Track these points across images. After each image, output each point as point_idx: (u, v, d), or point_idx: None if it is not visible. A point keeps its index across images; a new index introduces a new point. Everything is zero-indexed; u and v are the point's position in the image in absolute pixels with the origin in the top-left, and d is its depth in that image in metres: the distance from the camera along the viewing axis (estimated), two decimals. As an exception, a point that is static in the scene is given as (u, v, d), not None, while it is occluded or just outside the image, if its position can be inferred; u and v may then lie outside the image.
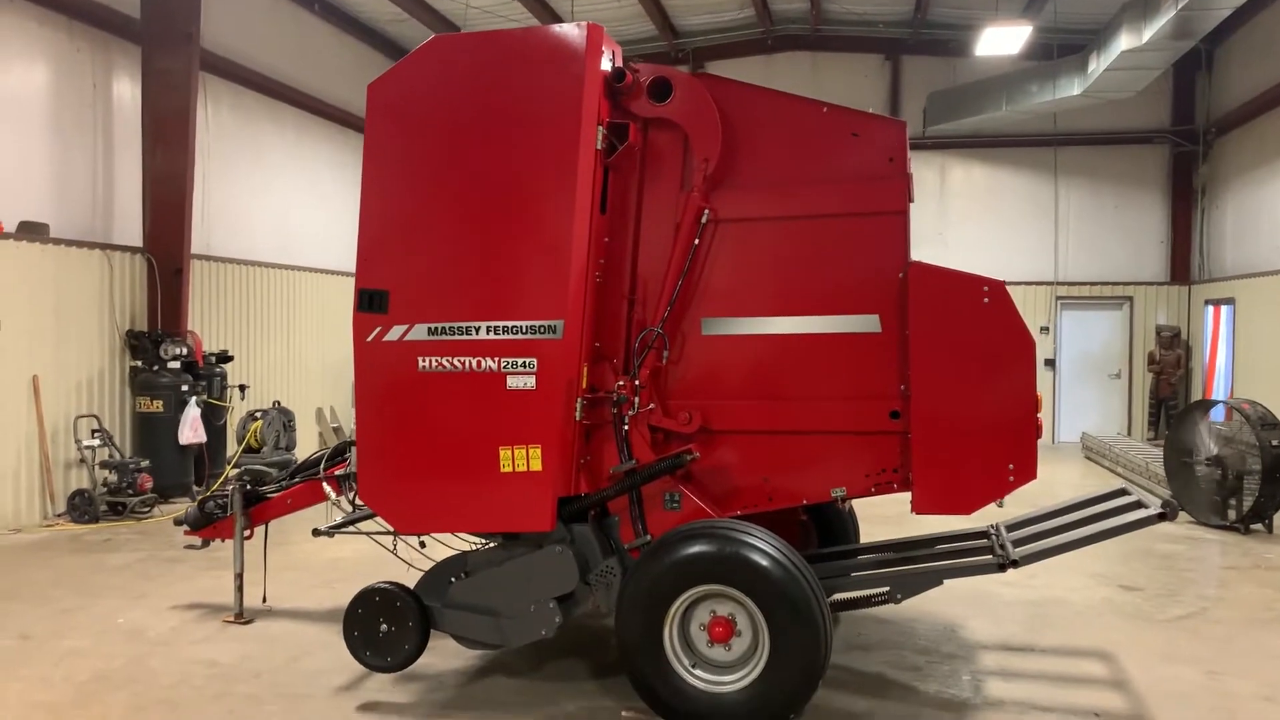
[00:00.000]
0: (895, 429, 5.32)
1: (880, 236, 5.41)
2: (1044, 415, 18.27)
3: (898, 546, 6.53)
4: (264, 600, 7.07)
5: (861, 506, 6.59)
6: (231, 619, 6.85)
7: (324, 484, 6.58)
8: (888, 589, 5.58)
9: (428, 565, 5.73)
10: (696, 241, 5.50)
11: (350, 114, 16.22)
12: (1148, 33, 12.27)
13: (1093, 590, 7.88)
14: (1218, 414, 11.33)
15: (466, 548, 5.85)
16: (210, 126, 13.18)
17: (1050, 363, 18.49)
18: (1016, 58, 16.38)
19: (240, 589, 6.86)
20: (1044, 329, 18.45)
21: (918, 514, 5.29)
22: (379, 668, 5.51)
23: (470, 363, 5.37)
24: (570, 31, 5.33)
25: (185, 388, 11.25)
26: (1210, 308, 17.03)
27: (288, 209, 15.05)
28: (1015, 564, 5.40)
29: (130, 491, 10.37)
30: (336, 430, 14.81)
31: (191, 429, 11.16)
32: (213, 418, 11.70)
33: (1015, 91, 16.36)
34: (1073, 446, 17.40)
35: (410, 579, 5.66)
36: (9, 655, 6.23)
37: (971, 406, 5.18)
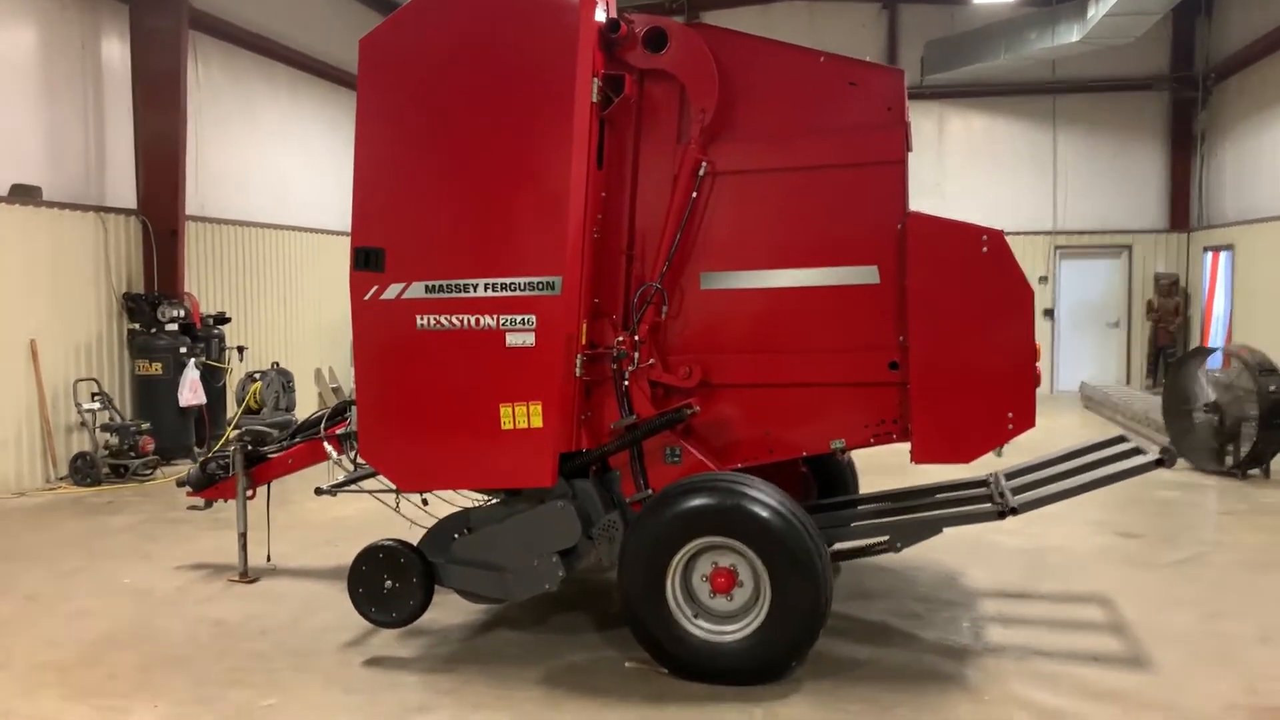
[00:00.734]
0: (894, 380, 5.33)
1: (878, 187, 5.38)
2: (1043, 365, 18.34)
3: (897, 496, 6.56)
4: (268, 559, 7.11)
5: (862, 457, 6.61)
6: (236, 578, 6.89)
7: (325, 443, 6.59)
8: (887, 538, 5.64)
9: (430, 523, 5.75)
10: (694, 195, 5.47)
11: (345, 72, 16.03)
12: (1148, -24, 12.12)
13: (1091, 537, 7.94)
14: (1215, 361, 11.34)
15: (468, 504, 5.88)
16: (202, 86, 13.05)
17: (1049, 312, 18.48)
18: (1016, 4, 16.19)
19: (244, 548, 6.90)
20: (1042, 279, 18.41)
21: (917, 464, 5.32)
22: (384, 623, 5.56)
23: (469, 320, 5.35)
24: (564, -17, 5.25)
25: (184, 350, 11.24)
26: (1209, 255, 16.99)
27: (283, 169, 14.95)
28: (1014, 511, 5.43)
29: (132, 454, 10.40)
30: (336, 390, 14.82)
31: (191, 391, 11.16)
32: (212, 379, 11.70)
33: (1014, 39, 16.19)
34: (1071, 396, 17.44)
35: (414, 536, 5.69)
36: (16, 616, 6.28)
37: (970, 356, 5.19)
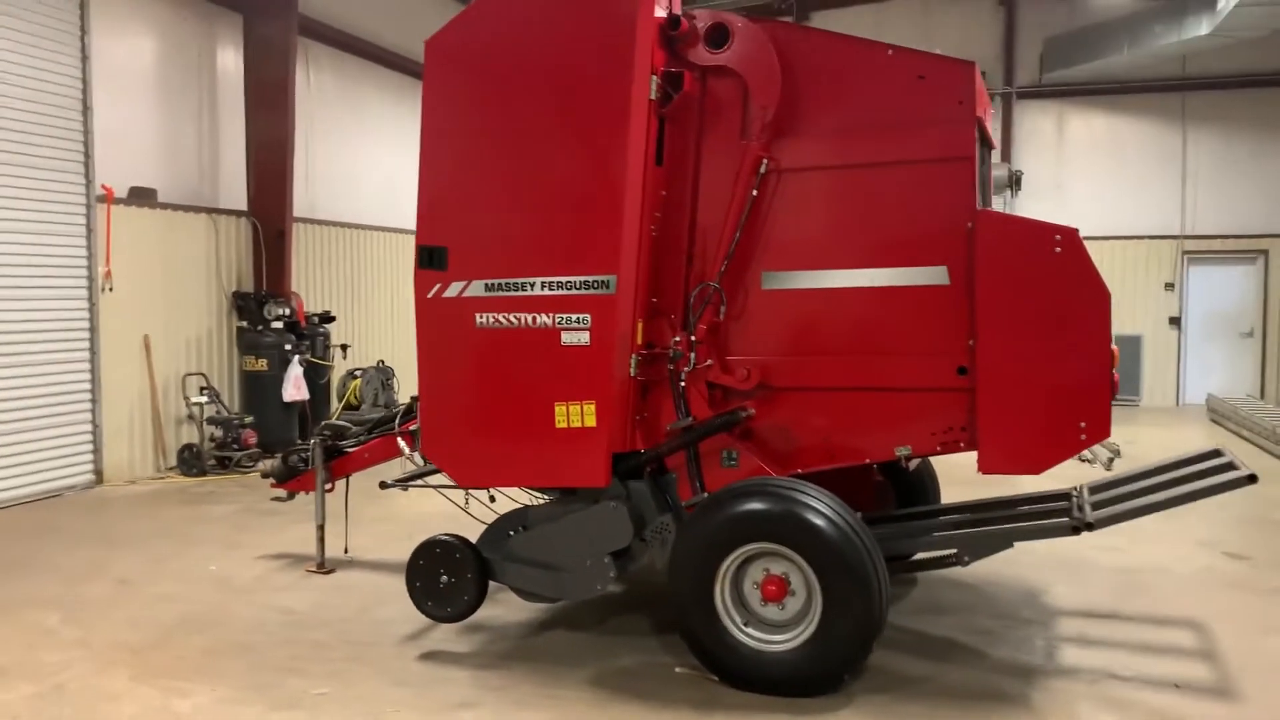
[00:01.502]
0: (963, 385, 5.10)
1: (947, 184, 5.16)
2: (1168, 376, 17.56)
3: (976, 508, 6.30)
4: (345, 551, 7.26)
5: (948, 467, 6.37)
6: (313, 569, 7.07)
7: (398, 439, 6.70)
8: (955, 551, 5.41)
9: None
10: (755, 192, 5.35)
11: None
12: (1281, -36, 11.41)
13: (1194, 558, 7.48)
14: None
15: (532, 501, 5.88)
16: (313, 92, 13.48)
17: (1175, 321, 17.58)
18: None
19: (321, 540, 7.07)
20: (1169, 285, 17.54)
21: (984, 474, 5.09)
22: (440, 617, 5.61)
23: (526, 319, 5.36)
24: (623, -20, 5.21)
25: (288, 347, 11.61)
26: (1353, 261, 15.91)
27: (390, 172, 15.30)
28: (1090, 527, 5.15)
29: (235, 446, 10.79)
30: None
31: (295, 386, 11.52)
32: (315, 376, 12.05)
33: (1138, 33, 15.48)
34: (1199, 409, 16.55)
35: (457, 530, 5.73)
36: (106, 598, 6.56)
37: (1041, 361, 4.93)
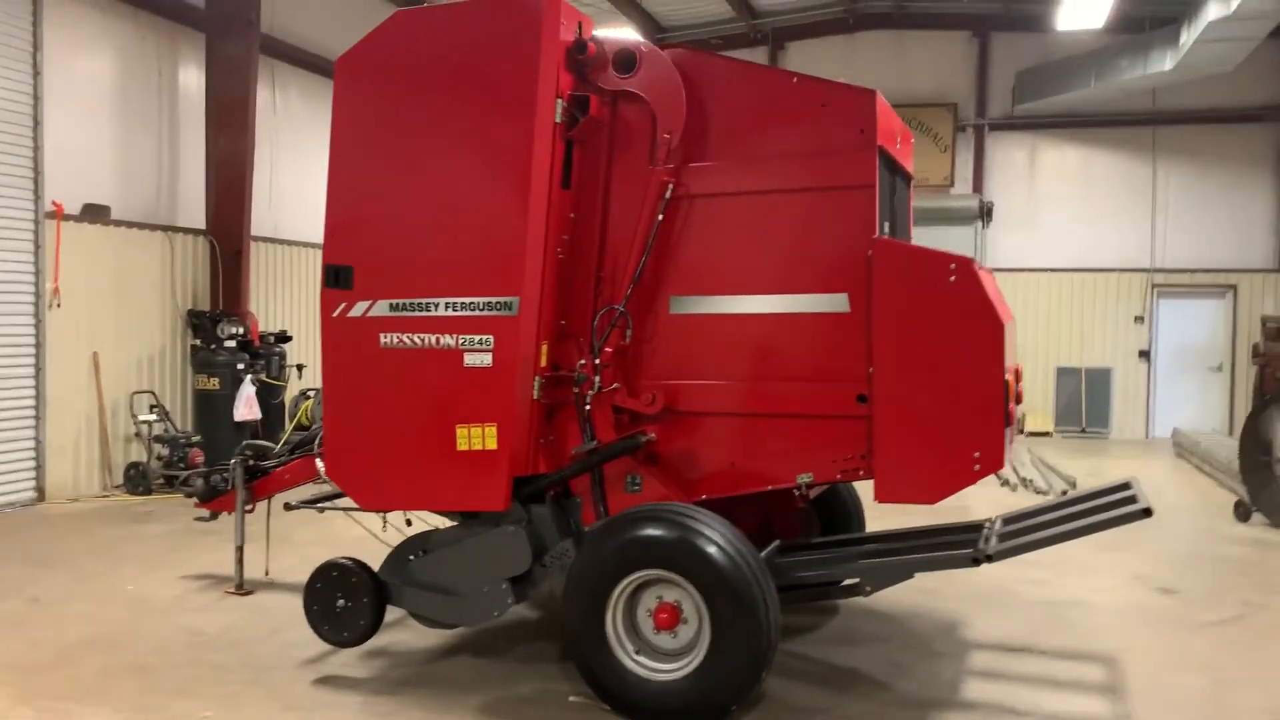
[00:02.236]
0: (863, 413, 5.07)
1: (849, 212, 5.15)
2: (1138, 409, 17.46)
3: (892, 537, 6.25)
4: (266, 573, 7.18)
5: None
6: (232, 590, 7.00)
7: (316, 460, 6.64)
8: (858, 580, 5.36)
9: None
10: (660, 217, 5.34)
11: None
12: (1235, 1, 11.47)
13: (1125, 592, 7.42)
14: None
15: (446, 525, 5.83)
16: (278, 112, 13.51)
17: (1145, 354, 17.56)
18: (1106, 31, 15.51)
19: (240, 561, 7.00)
20: (1139, 318, 17.54)
21: (880, 503, 5.05)
22: (336, 642, 5.55)
23: (429, 339, 5.33)
24: (527, 2, 5.21)
25: (241, 366, 11.56)
26: (1321, 297, 15.92)
27: (358, 193, 15.32)
28: (990, 559, 5.11)
29: (182, 465, 10.73)
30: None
31: (246, 406, 11.45)
32: (269, 396, 11.99)
33: (1104, 67, 15.56)
34: (1167, 443, 16.50)
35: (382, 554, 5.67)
36: (12, 617, 6.49)
37: (935, 391, 4.89)
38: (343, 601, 5.46)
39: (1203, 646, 6.22)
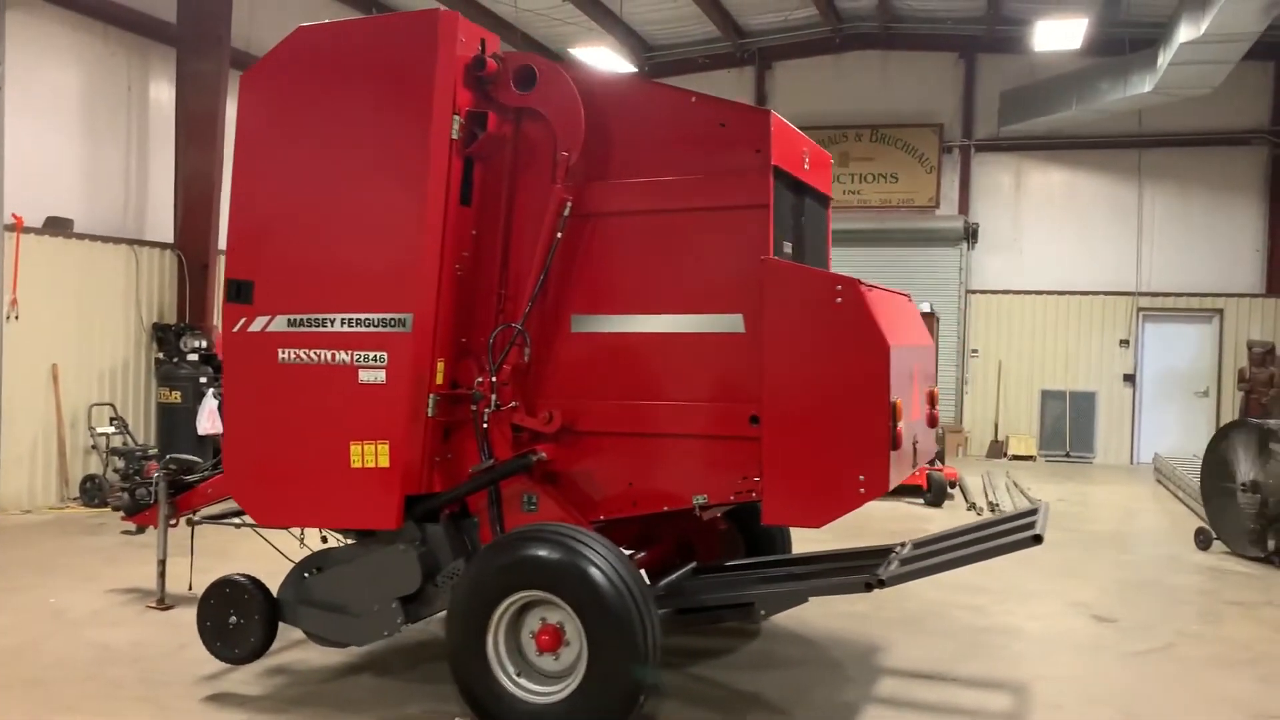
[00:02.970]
0: (755, 435, 5.01)
1: (744, 232, 5.10)
2: (1123, 433, 17.33)
3: (805, 560, 6.20)
4: (190, 588, 7.10)
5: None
6: (154, 604, 6.97)
7: (235, 475, 6.61)
8: (752, 604, 5.30)
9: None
10: (559, 235, 5.31)
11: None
12: (1204, 24, 11.39)
13: (1059, 619, 7.31)
14: None
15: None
16: (253, 127, 13.55)
17: (1130, 378, 17.43)
18: (1087, 53, 15.46)
19: (162, 575, 6.96)
20: (1124, 342, 17.42)
21: (767, 525, 4.99)
22: (227, 659, 5.51)
23: (325, 355, 5.31)
24: (423, 19, 5.21)
25: (204, 380, 11.57)
26: (1306, 322, 15.74)
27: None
28: (882, 584, 5.03)
29: (138, 478, 10.71)
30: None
31: (209, 420, 11.45)
32: (233, 410, 11.97)
33: (1085, 90, 15.49)
34: (1150, 468, 16.34)
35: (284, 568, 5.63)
36: (-73, 629, 6.49)
37: (822, 413, 4.83)
38: (235, 618, 5.43)
39: (1121, 676, 6.11)
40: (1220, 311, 17.06)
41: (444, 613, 5.17)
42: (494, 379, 5.31)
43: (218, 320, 12.44)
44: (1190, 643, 6.84)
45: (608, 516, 5.39)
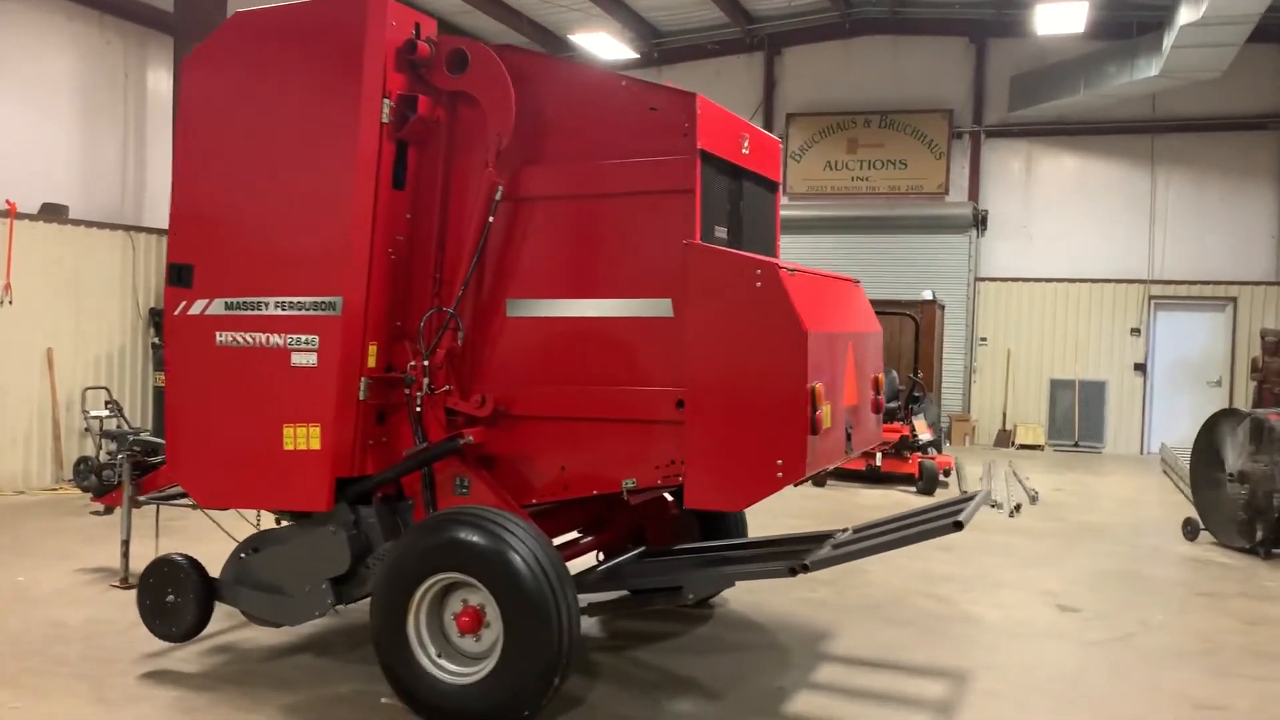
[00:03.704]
0: (682, 419, 5.00)
1: (671, 216, 5.08)
2: (1133, 423, 17.06)
3: (751, 545, 6.19)
4: (154, 568, 7.25)
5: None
6: (117, 584, 7.08)
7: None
8: (681, 587, 5.30)
9: None
10: (491, 219, 5.32)
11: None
12: (1203, 6, 11.17)
13: (1023, 609, 7.24)
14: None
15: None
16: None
17: (1141, 367, 17.18)
18: (1092, 36, 15.23)
19: (126, 555, 7.07)
20: (1135, 331, 17.17)
21: (688, 508, 4.97)
22: (165, 636, 5.59)
23: (260, 338, 5.36)
24: (352, 3, 5.22)
25: (198, 364, 11.69)
26: (1319, 310, 15.43)
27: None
28: (806, 568, 5.01)
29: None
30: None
31: (202, 404, 11.58)
32: (228, 394, 12.12)
33: (1093, 74, 15.25)
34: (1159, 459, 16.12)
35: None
36: (-109, 605, 6.63)
37: (741, 396, 4.80)
38: (172, 597, 5.51)
39: (1069, 665, 6.04)
40: (1234, 299, 16.76)
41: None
42: (426, 362, 5.34)
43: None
44: (1150, 633, 6.75)
45: (540, 500, 5.41)
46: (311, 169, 5.28)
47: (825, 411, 4.95)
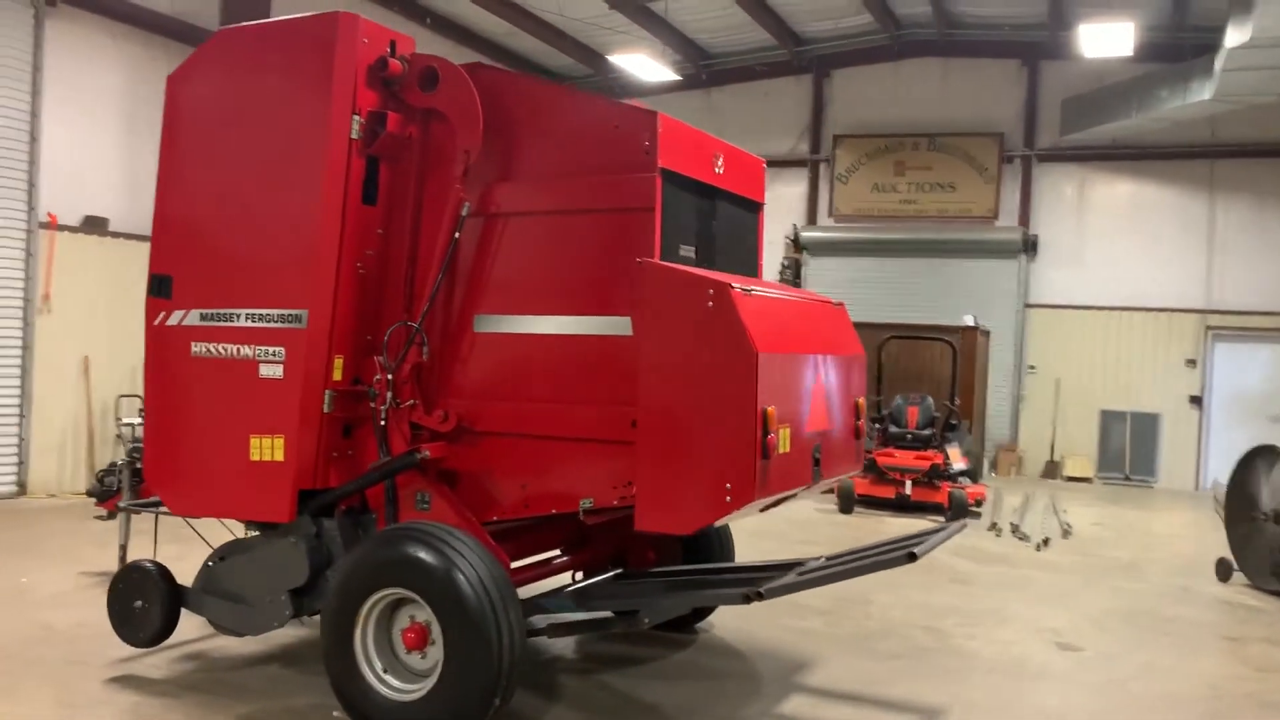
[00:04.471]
0: (634, 439, 4.94)
1: (632, 234, 5.04)
2: (1188, 458, 16.44)
3: (724, 570, 6.09)
4: (152, 573, 7.37)
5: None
6: (113, 588, 7.20)
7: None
8: (638, 611, 5.22)
9: None
10: (457, 235, 5.33)
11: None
12: (1249, 28, 10.80)
13: (1019, 646, 6.99)
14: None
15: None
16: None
17: (1197, 400, 16.59)
18: (1146, 58, 14.83)
19: (123, 559, 7.19)
20: (1190, 362, 16.59)
21: (638, 530, 4.89)
22: (132, 642, 5.67)
23: (231, 350, 5.44)
24: (324, 20, 5.29)
25: (229, 375, 11.93)
26: (1385, 344, 14.76)
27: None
28: (760, 596, 4.89)
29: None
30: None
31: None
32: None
33: (1145, 97, 14.84)
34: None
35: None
36: (-108, 602, 6.83)
37: (691, 417, 4.72)
38: (139, 603, 5.59)
39: (1050, 708, 5.80)
40: (1297, 331, 16.13)
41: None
42: (389, 376, 5.36)
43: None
44: (1151, 677, 6.47)
45: (501, 518, 5.39)
46: (280, 183, 5.36)
47: (782, 435, 4.85)
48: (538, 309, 5.29)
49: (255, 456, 5.35)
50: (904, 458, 12.66)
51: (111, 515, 7.66)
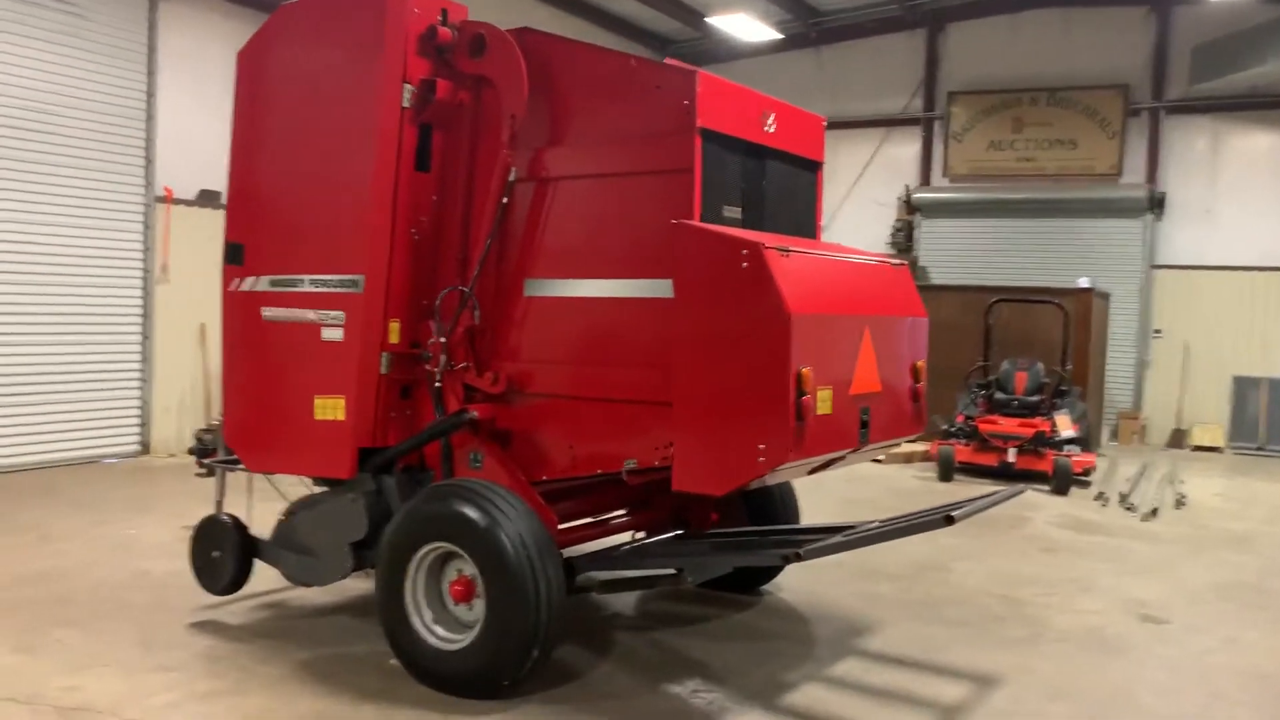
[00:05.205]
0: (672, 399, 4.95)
1: (672, 196, 5.03)
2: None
3: (779, 532, 6.08)
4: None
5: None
6: (208, 541, 7.63)
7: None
8: (678, 570, 5.26)
9: None
10: (504, 200, 5.42)
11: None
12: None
13: (1098, 616, 6.75)
14: None
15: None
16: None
17: (1338, 369, 15.58)
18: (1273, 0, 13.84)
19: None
20: (1333, 327, 15.57)
21: (675, 490, 4.91)
22: (210, 589, 6.01)
23: (297, 314, 5.68)
24: (375, -10, 5.42)
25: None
26: None
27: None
28: (800, 557, 4.86)
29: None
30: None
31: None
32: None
33: (1280, 41, 13.89)
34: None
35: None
36: (4, 549, 7.35)
37: (726, 379, 4.71)
38: (216, 553, 5.91)
39: (1114, 679, 5.58)
40: None
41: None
42: (443, 339, 5.50)
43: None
44: (1232, 650, 6.17)
45: (550, 477, 5.49)
46: (338, 152, 5.54)
47: (821, 397, 4.80)
48: (584, 273, 5.34)
49: (319, 416, 5.58)
50: (1008, 424, 12.29)
51: (211, 472, 8.07)
